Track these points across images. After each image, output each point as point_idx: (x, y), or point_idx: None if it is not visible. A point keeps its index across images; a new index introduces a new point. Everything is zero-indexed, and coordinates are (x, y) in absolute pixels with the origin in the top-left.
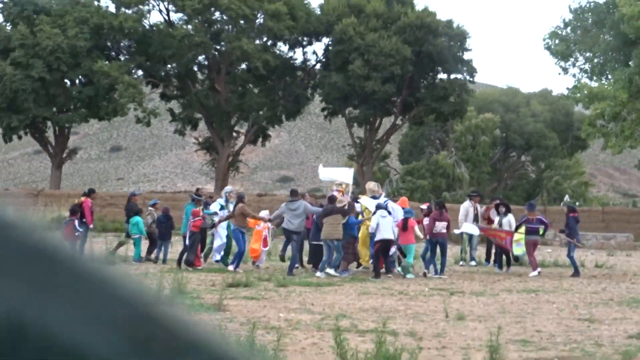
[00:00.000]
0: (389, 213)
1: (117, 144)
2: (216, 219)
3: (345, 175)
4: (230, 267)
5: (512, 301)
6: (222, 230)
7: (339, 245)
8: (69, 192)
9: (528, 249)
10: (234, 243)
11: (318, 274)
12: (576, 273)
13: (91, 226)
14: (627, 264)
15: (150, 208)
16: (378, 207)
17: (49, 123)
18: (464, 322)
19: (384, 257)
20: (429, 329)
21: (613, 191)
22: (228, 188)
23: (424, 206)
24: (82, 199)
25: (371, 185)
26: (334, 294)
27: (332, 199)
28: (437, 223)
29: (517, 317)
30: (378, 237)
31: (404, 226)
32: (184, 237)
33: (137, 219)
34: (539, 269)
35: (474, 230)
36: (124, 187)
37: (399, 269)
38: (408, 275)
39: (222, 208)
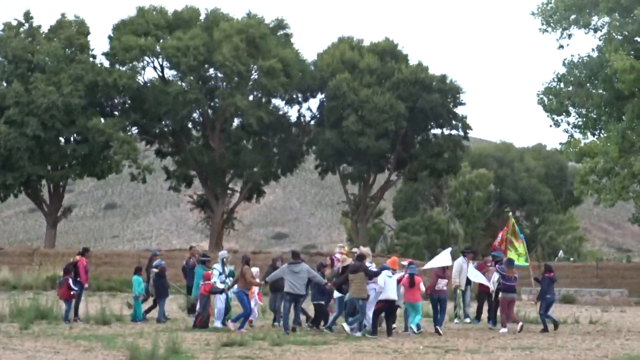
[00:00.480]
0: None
1: (111, 202)
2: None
3: (444, 258)
4: (231, 325)
5: (507, 359)
6: (220, 296)
7: (364, 305)
8: (64, 251)
9: (502, 306)
10: (233, 303)
11: (358, 333)
12: (545, 329)
13: (86, 285)
14: (622, 320)
15: (153, 270)
16: (382, 268)
17: (44, 181)
18: None
19: (387, 317)
20: None
21: (607, 246)
22: (223, 253)
23: (405, 262)
24: (77, 257)
25: (366, 250)
26: (328, 353)
27: (361, 257)
28: (439, 280)
29: None
30: (383, 297)
31: (410, 283)
32: (197, 300)
33: (135, 278)
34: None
35: (481, 278)
36: (119, 244)
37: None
38: (415, 331)
39: (220, 274)
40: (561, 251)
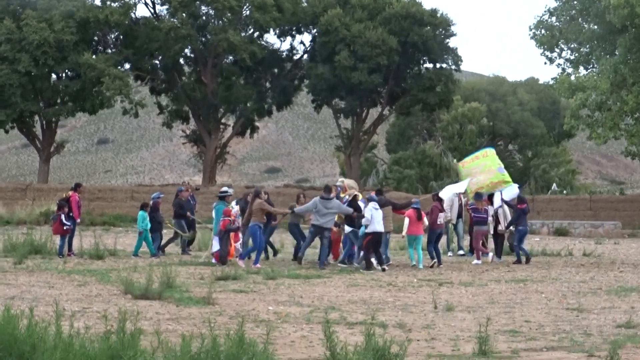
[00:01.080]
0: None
1: (104, 137)
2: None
3: (460, 185)
4: (240, 263)
5: (501, 291)
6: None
7: (388, 238)
8: (57, 186)
9: (477, 238)
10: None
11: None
12: (518, 261)
13: (79, 220)
14: (615, 252)
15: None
16: (370, 199)
17: (36, 117)
18: (452, 313)
19: (375, 250)
20: (418, 321)
21: (600, 178)
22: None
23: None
24: (70, 193)
25: (351, 182)
26: (322, 286)
27: (380, 192)
28: (440, 214)
29: (506, 308)
30: (370, 230)
31: (418, 216)
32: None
33: (141, 213)
34: (484, 259)
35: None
36: (112, 179)
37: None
38: (420, 266)
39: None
40: (554, 184)
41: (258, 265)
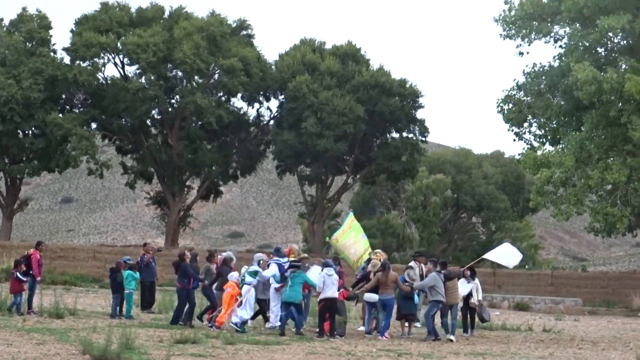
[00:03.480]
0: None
1: (68, 195)
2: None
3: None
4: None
5: None
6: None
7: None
8: (19, 244)
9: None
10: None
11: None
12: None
13: (39, 279)
14: (575, 329)
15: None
16: (325, 264)
17: (1, 173)
18: None
19: (330, 316)
20: None
21: (563, 254)
22: (259, 255)
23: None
24: (31, 250)
25: (296, 247)
26: (281, 353)
27: (445, 264)
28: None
29: None
30: (322, 296)
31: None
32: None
33: (128, 273)
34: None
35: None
36: (75, 239)
37: None
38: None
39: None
40: None
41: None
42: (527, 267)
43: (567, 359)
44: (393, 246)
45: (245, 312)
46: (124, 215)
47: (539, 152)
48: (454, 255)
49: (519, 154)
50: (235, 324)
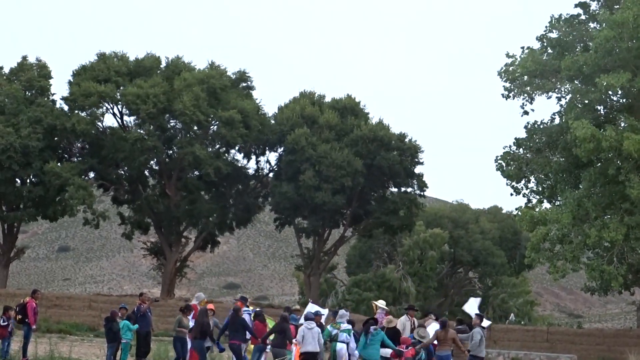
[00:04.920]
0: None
1: (65, 244)
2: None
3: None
4: None
5: None
6: None
7: None
8: (15, 291)
9: None
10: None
11: None
12: None
13: (34, 327)
14: None
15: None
16: (306, 318)
17: None
18: None
19: None
20: None
21: (559, 311)
22: (344, 313)
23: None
24: (27, 299)
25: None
26: None
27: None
28: None
29: None
30: (303, 350)
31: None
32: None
33: (125, 323)
34: None
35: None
36: (71, 287)
37: None
38: None
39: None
40: (512, 314)
41: None
42: (522, 322)
43: None
44: (389, 300)
45: None
46: (120, 264)
47: (536, 210)
48: (450, 310)
49: (516, 209)
50: None
